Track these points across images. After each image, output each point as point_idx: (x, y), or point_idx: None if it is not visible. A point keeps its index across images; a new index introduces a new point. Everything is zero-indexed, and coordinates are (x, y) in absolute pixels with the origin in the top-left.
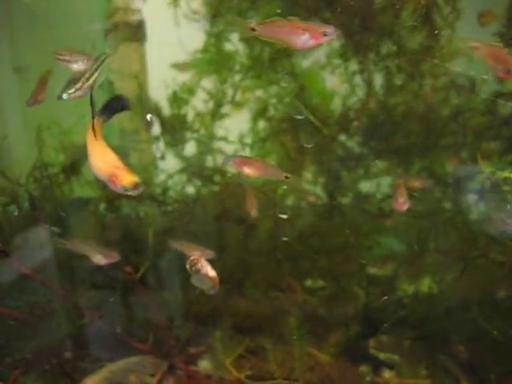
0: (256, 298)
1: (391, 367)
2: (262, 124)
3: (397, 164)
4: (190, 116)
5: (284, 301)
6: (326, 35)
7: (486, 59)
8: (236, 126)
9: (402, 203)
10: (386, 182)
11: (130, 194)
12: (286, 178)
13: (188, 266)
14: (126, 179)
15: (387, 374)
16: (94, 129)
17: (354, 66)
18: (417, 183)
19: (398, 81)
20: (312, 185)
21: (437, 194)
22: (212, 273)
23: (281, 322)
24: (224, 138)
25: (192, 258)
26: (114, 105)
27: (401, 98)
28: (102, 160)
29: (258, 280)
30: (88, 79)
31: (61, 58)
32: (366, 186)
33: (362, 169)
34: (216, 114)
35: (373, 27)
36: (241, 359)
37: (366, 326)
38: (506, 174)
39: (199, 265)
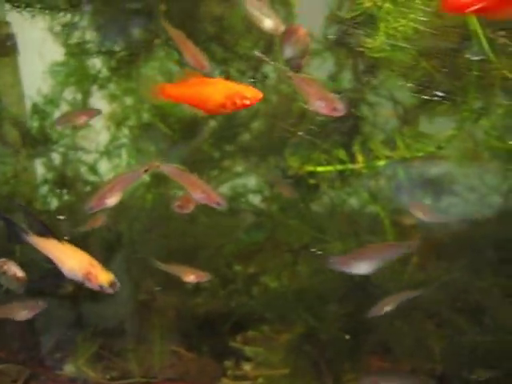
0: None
1: (252, 360)
2: (121, 132)
3: (255, 164)
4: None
5: (147, 302)
6: None
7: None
8: (100, 135)
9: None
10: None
11: (106, 291)
12: None
13: None
14: (102, 277)
15: (248, 366)
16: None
17: None
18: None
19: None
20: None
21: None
22: (19, 273)
23: (144, 323)
24: (83, 148)
25: None
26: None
27: None
28: (75, 260)
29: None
30: None
31: None
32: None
33: (216, 170)
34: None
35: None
36: (103, 361)
37: (230, 322)
38: (310, 168)
39: (5, 267)
